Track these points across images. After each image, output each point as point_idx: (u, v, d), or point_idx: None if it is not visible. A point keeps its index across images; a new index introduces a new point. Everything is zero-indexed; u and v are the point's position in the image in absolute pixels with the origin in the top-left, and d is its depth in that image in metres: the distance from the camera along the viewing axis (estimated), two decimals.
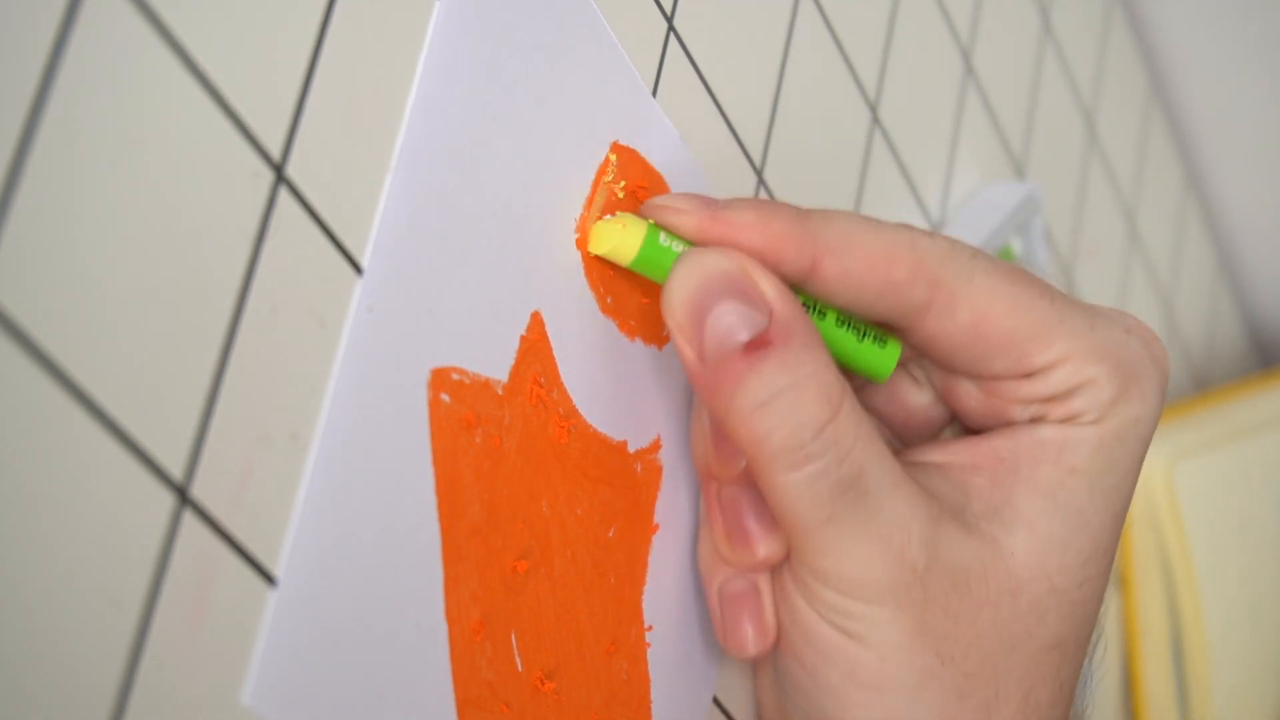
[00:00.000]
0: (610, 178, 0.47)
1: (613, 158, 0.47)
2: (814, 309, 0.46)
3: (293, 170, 0.38)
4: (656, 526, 0.48)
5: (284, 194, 0.37)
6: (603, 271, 0.47)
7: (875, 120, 0.63)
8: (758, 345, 0.43)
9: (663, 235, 0.45)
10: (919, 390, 0.50)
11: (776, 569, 0.47)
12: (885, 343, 0.47)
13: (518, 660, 0.43)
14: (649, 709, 0.48)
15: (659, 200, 0.46)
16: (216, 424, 0.36)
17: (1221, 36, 0.92)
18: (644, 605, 0.48)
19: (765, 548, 0.47)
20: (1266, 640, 0.88)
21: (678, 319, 0.44)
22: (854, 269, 0.45)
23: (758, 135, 0.55)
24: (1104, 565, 0.47)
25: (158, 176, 0.34)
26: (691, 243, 0.45)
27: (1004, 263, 0.47)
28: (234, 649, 0.36)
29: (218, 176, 0.36)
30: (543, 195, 0.45)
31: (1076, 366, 0.46)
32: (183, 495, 0.35)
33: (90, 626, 0.33)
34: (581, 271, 0.46)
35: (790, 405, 0.43)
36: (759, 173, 0.55)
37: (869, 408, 0.50)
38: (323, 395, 0.38)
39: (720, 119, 0.53)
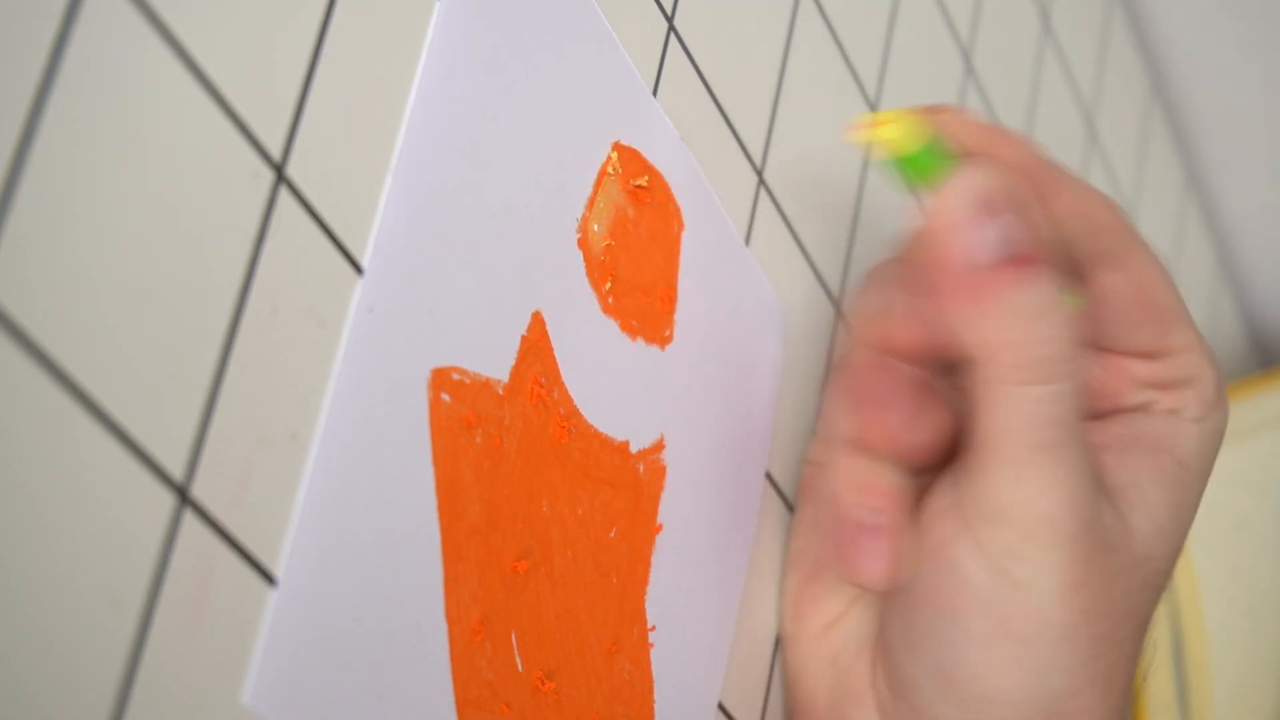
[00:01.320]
0: (612, 174, 0.47)
1: (613, 157, 0.47)
2: None
3: (293, 170, 0.38)
4: (660, 526, 0.48)
5: (284, 194, 0.37)
6: (604, 271, 0.47)
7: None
8: (1023, 258, 0.45)
9: (936, 143, 0.47)
10: None
11: (927, 514, 0.48)
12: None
13: (518, 660, 0.43)
14: (651, 709, 0.48)
15: (942, 107, 0.49)
16: (216, 424, 0.36)
17: (1221, 36, 0.92)
18: (647, 606, 0.48)
19: (913, 436, 0.49)
20: (1266, 640, 0.88)
21: (961, 214, 0.46)
22: (1080, 206, 0.49)
23: (758, 135, 0.55)
24: (1179, 560, 0.49)
25: (158, 176, 0.34)
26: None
27: None
28: (234, 649, 0.36)
29: (218, 176, 0.36)
30: (543, 195, 0.45)
31: (1195, 359, 0.49)
32: (183, 495, 0.35)
33: (90, 626, 0.33)
34: (583, 271, 0.46)
35: (1058, 320, 0.45)
36: (759, 173, 0.55)
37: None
38: (323, 395, 0.38)
39: (720, 119, 0.53)
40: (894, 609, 0.49)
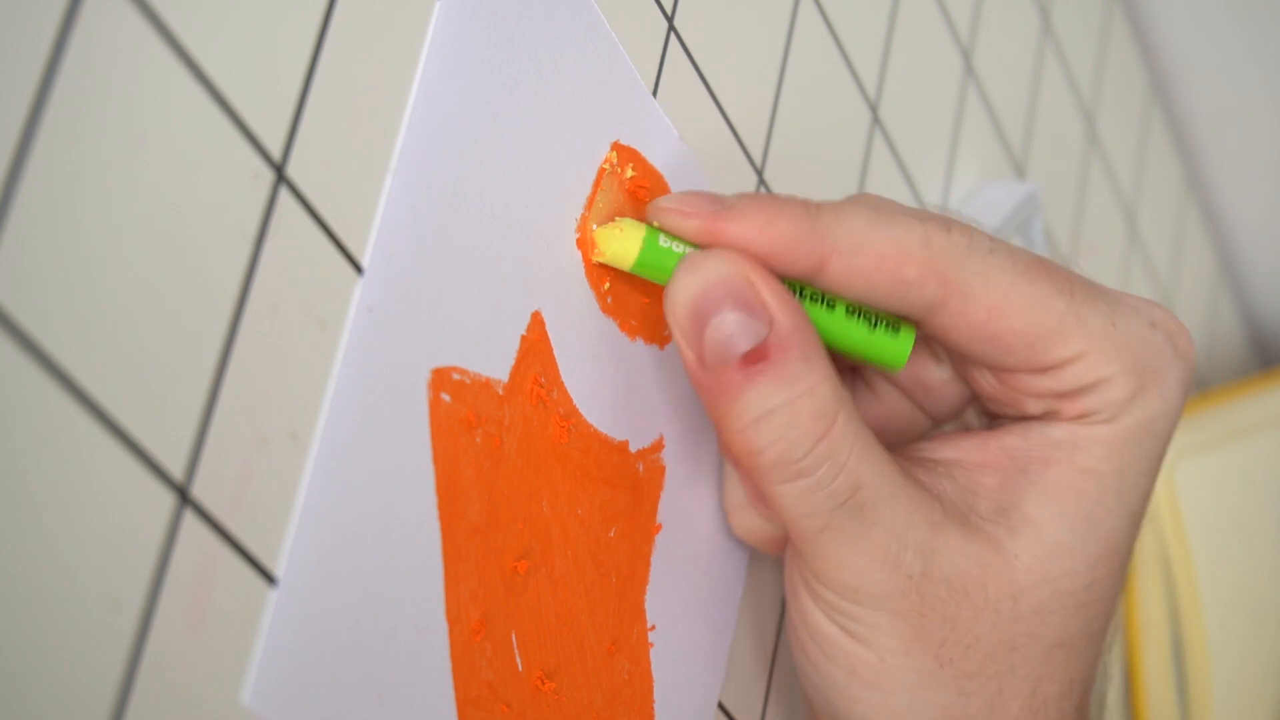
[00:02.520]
0: (610, 170, 0.47)
1: (613, 157, 0.47)
2: (823, 300, 0.46)
3: (293, 170, 0.38)
4: (659, 526, 0.48)
5: (284, 194, 0.37)
6: (603, 271, 0.47)
7: (875, 120, 0.63)
8: (756, 357, 0.43)
9: (663, 237, 0.45)
10: (939, 366, 0.50)
11: (787, 555, 0.48)
12: (899, 331, 0.47)
13: (518, 660, 0.43)
14: (651, 709, 0.48)
15: (663, 201, 0.45)
16: (216, 424, 0.36)
17: (1221, 36, 0.92)
18: (647, 605, 0.48)
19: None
20: (1266, 640, 0.88)
21: (679, 324, 0.44)
22: (862, 268, 0.45)
23: (758, 135, 0.55)
24: (1117, 564, 0.47)
25: (158, 176, 0.34)
26: (695, 244, 0.45)
27: (1025, 256, 0.46)
28: (234, 649, 0.36)
29: (218, 176, 0.36)
30: (543, 195, 0.45)
31: (1091, 364, 0.46)
32: (183, 495, 0.35)
33: (90, 626, 0.33)
34: (582, 271, 0.46)
35: (784, 422, 0.43)
36: (759, 173, 0.55)
37: (890, 381, 0.50)
38: (323, 395, 0.38)
39: (720, 119, 0.53)
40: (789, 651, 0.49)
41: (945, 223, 0.46)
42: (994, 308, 0.45)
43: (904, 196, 0.65)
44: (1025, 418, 0.47)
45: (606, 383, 0.47)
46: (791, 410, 0.43)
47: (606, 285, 0.47)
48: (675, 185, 0.49)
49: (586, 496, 0.46)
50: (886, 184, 0.63)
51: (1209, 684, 0.83)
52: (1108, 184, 0.85)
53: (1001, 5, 0.73)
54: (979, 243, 0.46)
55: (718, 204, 0.45)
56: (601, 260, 0.46)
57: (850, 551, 0.44)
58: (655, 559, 0.48)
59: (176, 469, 0.35)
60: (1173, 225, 0.94)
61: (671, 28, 0.50)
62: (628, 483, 0.47)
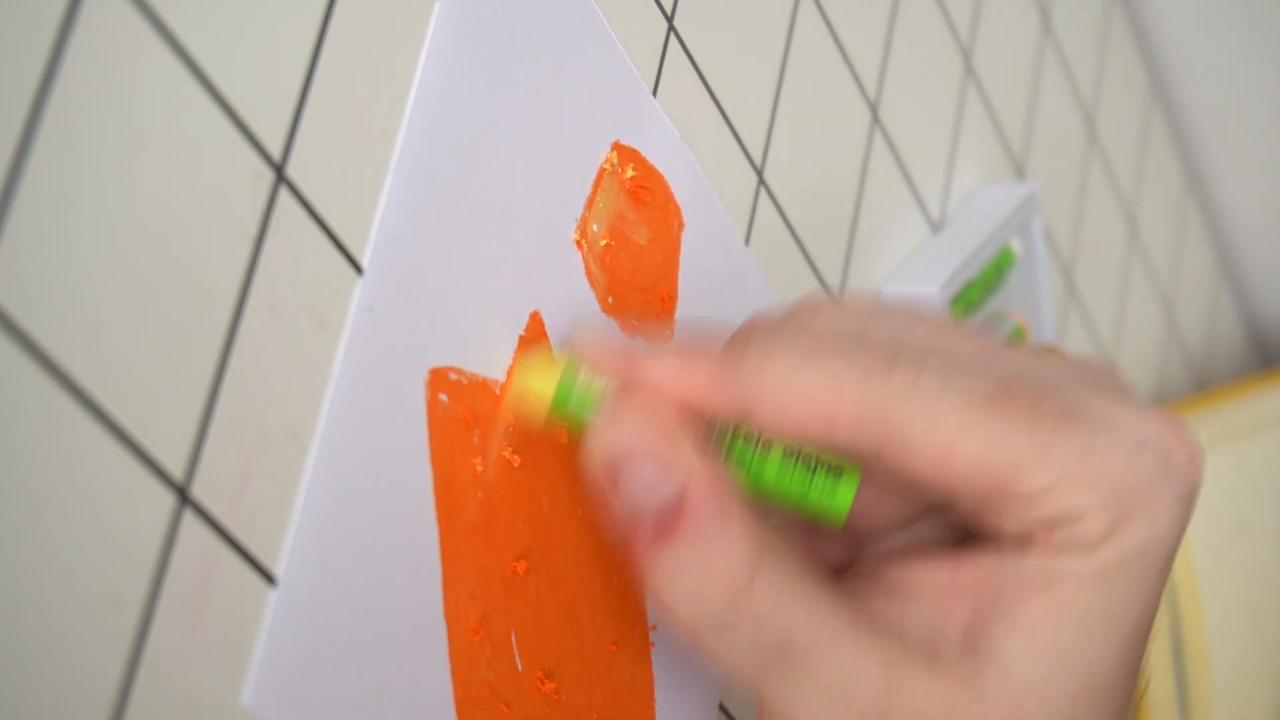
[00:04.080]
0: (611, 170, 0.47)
1: (614, 157, 0.47)
2: (758, 442, 0.43)
3: (293, 170, 0.38)
4: None
5: (284, 194, 0.37)
6: (603, 271, 0.47)
7: (875, 120, 0.63)
8: (668, 517, 0.42)
9: (582, 375, 0.43)
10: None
11: None
12: (840, 476, 0.43)
13: (517, 660, 0.43)
14: (652, 709, 0.48)
15: (582, 339, 0.43)
16: (216, 424, 0.36)
17: (1221, 36, 0.92)
18: (647, 605, 0.48)
19: None
20: (1266, 640, 0.88)
21: (595, 475, 0.42)
22: (790, 416, 0.42)
23: (758, 135, 0.55)
24: (1107, 695, 0.43)
25: (158, 176, 0.34)
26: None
27: (986, 384, 0.42)
28: (234, 649, 0.36)
29: (218, 176, 0.36)
30: (543, 195, 0.45)
31: (1063, 498, 0.41)
32: (183, 495, 0.35)
33: (90, 626, 0.33)
34: (582, 271, 0.46)
35: (696, 582, 0.42)
36: (759, 172, 0.55)
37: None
38: (322, 395, 0.38)
39: (720, 119, 0.53)
40: None
41: (889, 359, 0.42)
42: (942, 452, 0.41)
43: (904, 196, 0.65)
44: (1001, 535, 0.43)
45: None
46: (703, 570, 0.41)
47: (607, 285, 0.47)
48: (675, 185, 0.49)
49: (587, 496, 0.46)
50: (886, 184, 0.63)
51: (1209, 684, 0.83)
52: (1108, 184, 0.85)
53: (1001, 5, 0.73)
54: (928, 380, 0.41)
55: (634, 344, 0.43)
56: (519, 400, 0.44)
57: (794, 694, 0.42)
58: None
59: (176, 469, 0.35)
60: (1173, 225, 0.94)
61: (671, 28, 0.50)
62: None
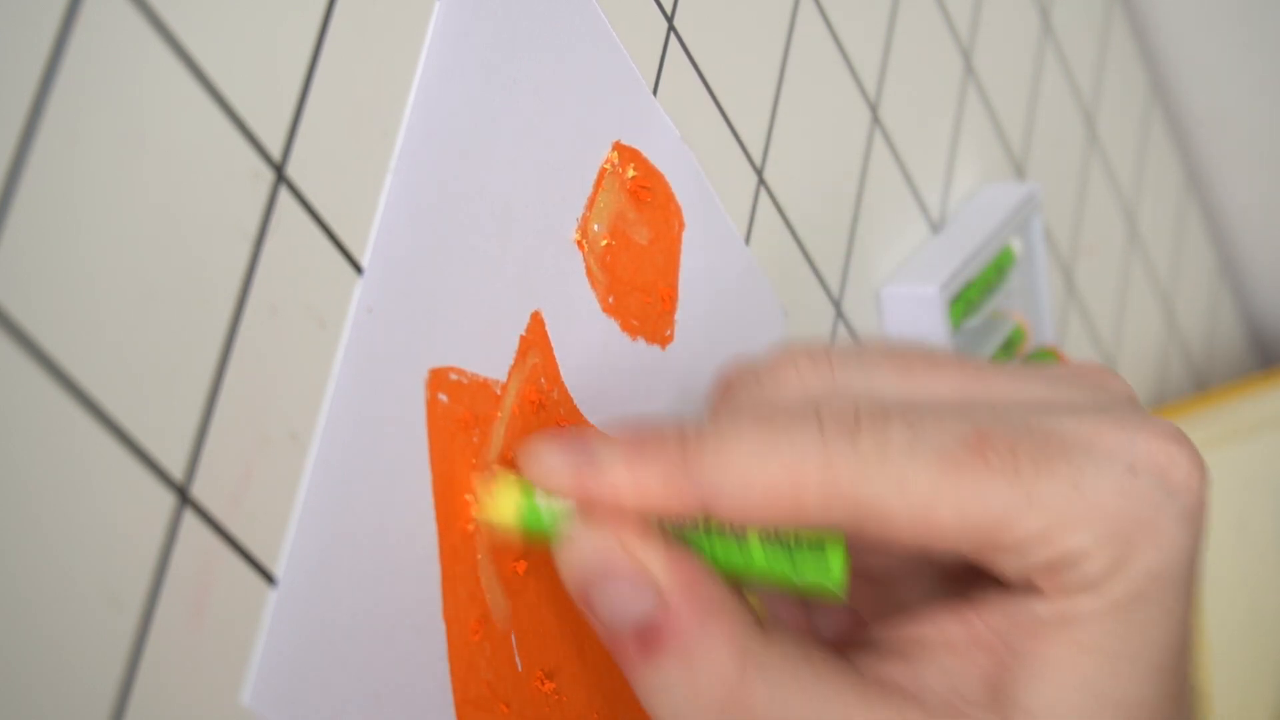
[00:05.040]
0: (612, 170, 0.47)
1: (614, 157, 0.47)
2: (731, 531, 0.41)
3: (293, 170, 0.38)
4: None
5: (284, 194, 0.37)
6: (604, 271, 0.47)
7: (875, 120, 0.63)
8: (648, 632, 0.40)
9: (540, 498, 0.41)
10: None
11: None
12: (824, 548, 0.41)
13: (517, 660, 0.43)
14: None
15: (530, 452, 0.41)
16: (216, 424, 0.36)
17: (1221, 36, 0.92)
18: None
19: None
20: (1266, 640, 0.88)
21: (574, 598, 0.41)
22: (752, 504, 0.40)
23: (758, 135, 0.55)
24: None
25: (157, 176, 0.34)
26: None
27: (954, 439, 0.40)
28: (234, 649, 0.36)
29: (218, 176, 0.36)
30: (543, 195, 0.45)
31: (1058, 542, 0.39)
32: (183, 495, 0.35)
33: (90, 626, 0.33)
34: (582, 271, 0.46)
35: (686, 695, 0.40)
36: (759, 172, 0.55)
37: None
38: (323, 395, 0.38)
39: (720, 119, 0.53)
40: None
41: (852, 428, 0.40)
42: (920, 517, 0.39)
43: (904, 196, 0.65)
44: (1004, 583, 0.41)
45: (607, 383, 0.47)
46: (691, 680, 0.40)
47: (607, 285, 0.47)
48: (676, 185, 0.49)
49: None
50: (886, 184, 0.63)
51: (1209, 684, 0.83)
52: (1108, 184, 0.85)
53: (1001, 5, 0.73)
54: (895, 442, 0.39)
55: (583, 457, 0.41)
56: (485, 519, 0.43)
57: None
58: None
59: (176, 469, 0.35)
60: (1173, 225, 0.94)
61: (671, 28, 0.50)
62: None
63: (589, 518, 0.41)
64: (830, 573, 0.41)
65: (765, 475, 0.39)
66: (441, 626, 0.41)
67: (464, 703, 0.41)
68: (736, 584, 0.41)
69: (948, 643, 0.41)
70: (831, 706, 0.40)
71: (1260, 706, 0.87)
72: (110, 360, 0.33)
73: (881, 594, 0.44)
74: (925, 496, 0.39)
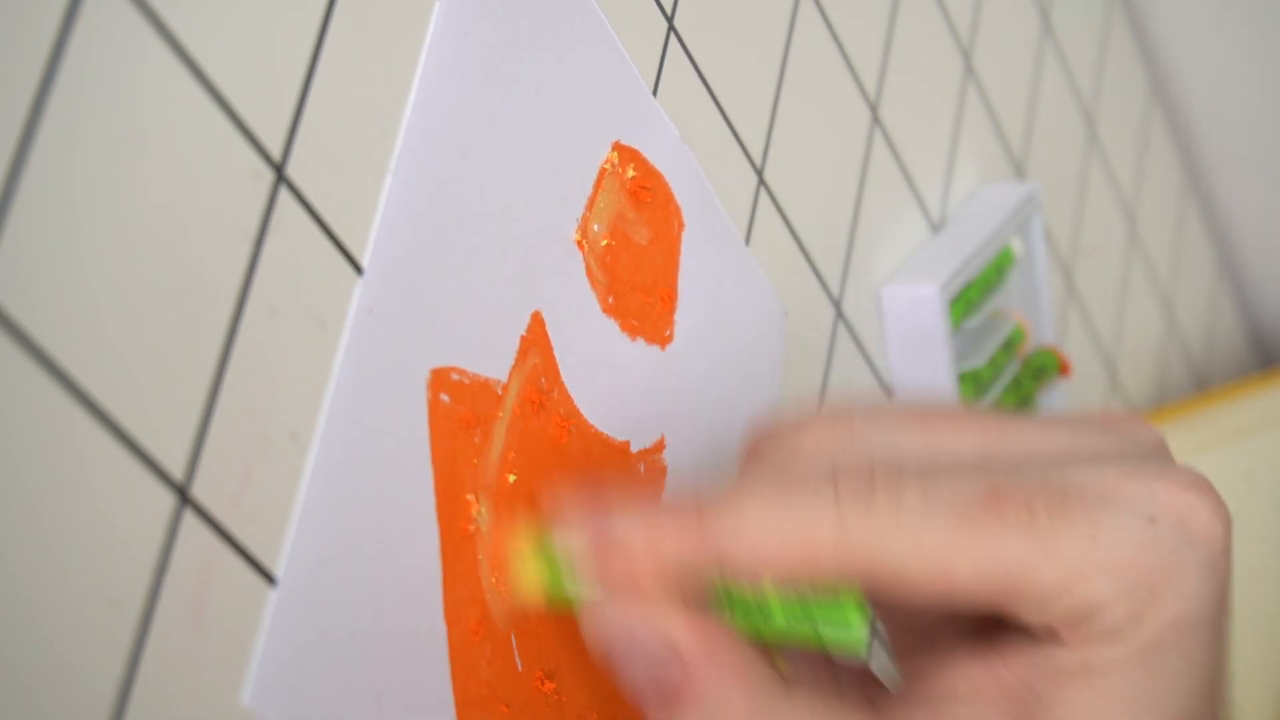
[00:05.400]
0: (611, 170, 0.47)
1: (614, 157, 0.47)
2: (750, 589, 0.41)
3: (293, 170, 0.38)
4: None
5: (284, 194, 0.37)
6: (604, 271, 0.47)
7: (875, 120, 0.63)
8: (668, 687, 0.41)
9: (561, 553, 0.42)
10: None
11: None
12: (841, 604, 0.41)
13: (517, 660, 0.43)
14: None
15: (559, 520, 0.42)
16: (216, 424, 0.36)
17: (1221, 36, 0.92)
18: None
19: None
20: (1266, 640, 0.88)
21: (596, 655, 0.42)
22: (766, 564, 0.40)
23: (758, 135, 0.55)
24: None
25: (157, 176, 0.34)
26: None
27: (969, 495, 0.40)
28: (234, 649, 0.36)
29: (218, 176, 0.36)
30: (543, 195, 0.45)
31: (1079, 593, 0.39)
32: (183, 495, 0.35)
33: (90, 626, 0.33)
34: (582, 271, 0.46)
35: None
36: (759, 172, 0.55)
37: None
38: (323, 395, 0.38)
39: (720, 119, 0.53)
40: None
41: (867, 489, 0.40)
42: (938, 574, 0.39)
43: (904, 196, 0.65)
44: (1030, 632, 0.41)
45: (607, 383, 0.47)
46: None
47: (607, 285, 0.47)
48: (676, 185, 0.49)
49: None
50: (886, 184, 0.63)
51: None
52: (1108, 184, 0.85)
53: (1001, 5, 0.73)
54: (909, 503, 0.40)
55: (599, 525, 0.42)
56: (522, 587, 0.44)
57: None
58: None
59: (176, 469, 0.35)
60: (1173, 225, 0.94)
61: (671, 28, 0.50)
62: (629, 483, 0.47)
63: (608, 581, 0.41)
64: (849, 628, 0.41)
65: (779, 535, 0.40)
66: (442, 626, 0.41)
67: (464, 703, 0.41)
68: (760, 645, 0.42)
69: (974, 689, 0.41)
70: None
71: (1260, 706, 0.87)
72: (110, 360, 0.33)
73: (910, 637, 0.44)
74: (941, 555, 0.39)
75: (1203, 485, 0.41)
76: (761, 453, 0.43)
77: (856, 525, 0.40)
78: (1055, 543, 0.39)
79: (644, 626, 0.41)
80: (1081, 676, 0.40)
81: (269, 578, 0.37)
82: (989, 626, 0.42)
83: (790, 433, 0.43)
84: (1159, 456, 0.42)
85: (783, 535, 0.40)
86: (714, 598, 0.41)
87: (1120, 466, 0.41)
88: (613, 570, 0.41)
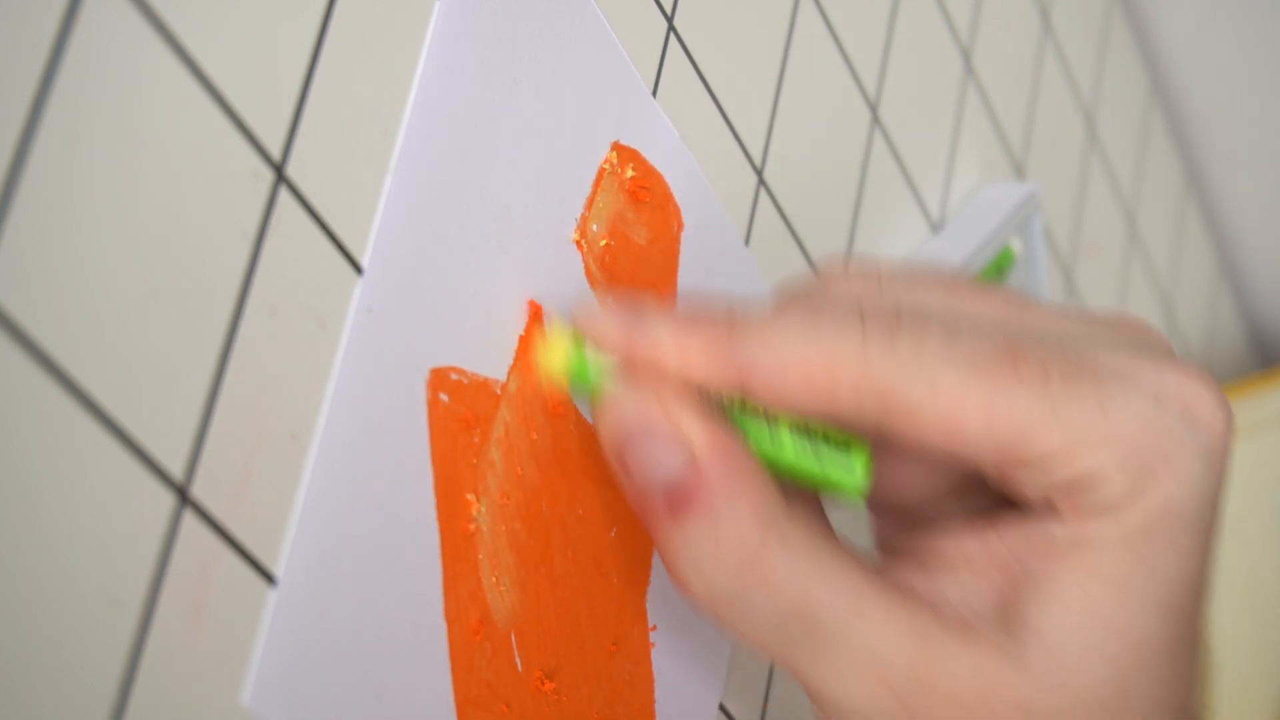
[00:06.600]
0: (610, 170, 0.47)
1: (613, 157, 0.47)
2: (764, 416, 0.42)
3: (293, 170, 0.38)
4: None
5: (284, 194, 0.37)
6: (603, 271, 0.47)
7: (875, 120, 0.63)
8: (677, 492, 0.41)
9: (589, 352, 0.43)
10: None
11: None
12: (849, 450, 0.42)
13: (517, 660, 0.43)
14: (652, 709, 0.48)
15: (584, 315, 0.43)
16: (216, 424, 0.36)
17: (1221, 36, 0.92)
18: (648, 606, 0.48)
19: None
20: (1266, 640, 0.88)
21: (609, 457, 0.42)
22: (788, 387, 0.41)
23: (758, 135, 0.55)
24: (1159, 663, 0.42)
25: (158, 176, 0.34)
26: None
27: (991, 345, 0.41)
28: (234, 649, 0.36)
29: (218, 176, 0.36)
30: (543, 195, 0.45)
31: (1075, 459, 0.40)
32: (183, 495, 0.35)
33: (90, 626, 0.33)
34: (582, 271, 0.46)
35: (707, 555, 0.41)
36: (759, 172, 0.55)
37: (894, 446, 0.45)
38: (323, 395, 0.38)
39: (720, 119, 0.53)
40: None
41: (890, 325, 0.41)
42: (948, 417, 0.40)
43: (904, 196, 0.65)
44: (1027, 503, 0.42)
45: None
46: (714, 541, 0.41)
47: (607, 286, 0.47)
48: (675, 185, 0.49)
49: (587, 497, 0.46)
50: (886, 184, 0.64)
51: (1209, 684, 0.83)
52: (1108, 184, 0.85)
53: (1001, 5, 0.73)
54: (931, 343, 0.41)
55: (634, 318, 0.42)
56: (542, 373, 0.44)
57: (824, 668, 0.42)
58: (656, 559, 0.48)
59: (176, 469, 0.35)
60: (1173, 225, 0.94)
61: (671, 28, 0.50)
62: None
63: (632, 377, 0.42)
64: (853, 474, 0.42)
65: (803, 360, 0.41)
66: (442, 626, 0.41)
67: (464, 703, 0.41)
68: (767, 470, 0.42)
69: (965, 557, 0.42)
70: (847, 596, 0.41)
71: (1260, 706, 0.87)
72: (110, 360, 0.33)
73: (907, 517, 0.45)
74: (954, 399, 0.40)
75: (1209, 379, 0.42)
76: (794, 294, 0.44)
77: (878, 360, 0.41)
78: (1065, 405, 0.40)
79: (662, 421, 0.41)
80: (1072, 552, 0.41)
81: (269, 577, 0.37)
82: (987, 509, 0.43)
83: (822, 280, 0.44)
84: (1168, 353, 0.43)
85: (807, 362, 0.41)
86: (729, 413, 0.42)
87: (1134, 352, 0.42)
88: (639, 362, 0.42)
